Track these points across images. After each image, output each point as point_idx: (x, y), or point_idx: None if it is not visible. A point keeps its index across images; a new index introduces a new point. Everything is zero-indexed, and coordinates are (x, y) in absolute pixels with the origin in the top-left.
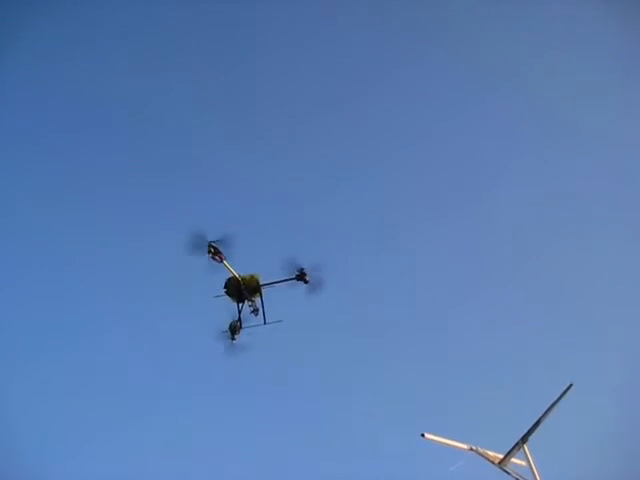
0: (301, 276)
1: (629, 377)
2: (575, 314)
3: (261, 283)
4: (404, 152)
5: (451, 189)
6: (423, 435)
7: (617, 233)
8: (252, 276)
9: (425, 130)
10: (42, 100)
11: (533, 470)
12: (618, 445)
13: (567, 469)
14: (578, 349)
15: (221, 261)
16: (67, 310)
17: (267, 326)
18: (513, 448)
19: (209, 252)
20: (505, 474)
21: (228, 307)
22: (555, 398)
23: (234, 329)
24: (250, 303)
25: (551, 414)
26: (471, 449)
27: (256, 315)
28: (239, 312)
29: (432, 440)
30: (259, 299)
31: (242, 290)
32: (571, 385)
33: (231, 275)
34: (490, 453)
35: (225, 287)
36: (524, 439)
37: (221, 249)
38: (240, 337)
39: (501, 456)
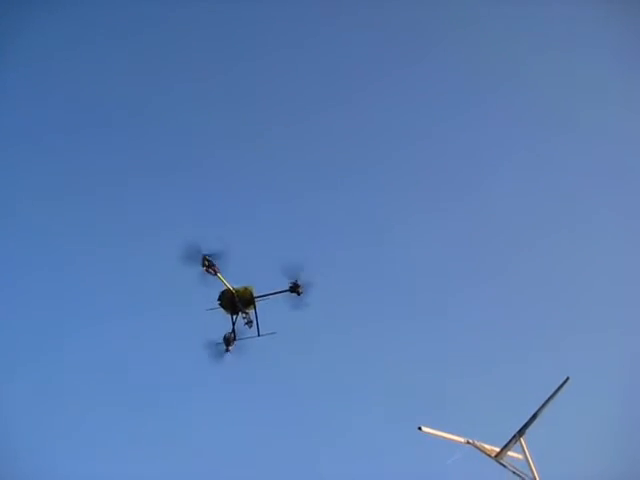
0: (294, 288)
1: (626, 370)
2: (572, 308)
3: (255, 295)
4: (401, 150)
5: (449, 186)
6: (420, 428)
7: (614, 227)
8: (246, 288)
9: (423, 127)
10: (42, 99)
11: (530, 463)
12: (615, 438)
13: (564, 462)
14: (575, 342)
15: (215, 274)
16: (63, 310)
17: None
18: (510, 441)
19: (203, 265)
20: (502, 467)
21: (222, 319)
22: (552, 392)
23: (228, 341)
24: (244, 315)
25: (548, 408)
26: (468, 442)
27: (250, 327)
28: (233, 324)
29: (429, 433)
30: (253, 311)
31: (236, 302)
32: (568, 379)
33: (225, 287)
34: (487, 446)
35: (219, 299)
36: (521, 432)
37: (215, 262)
38: (234, 348)
39: (498, 449)
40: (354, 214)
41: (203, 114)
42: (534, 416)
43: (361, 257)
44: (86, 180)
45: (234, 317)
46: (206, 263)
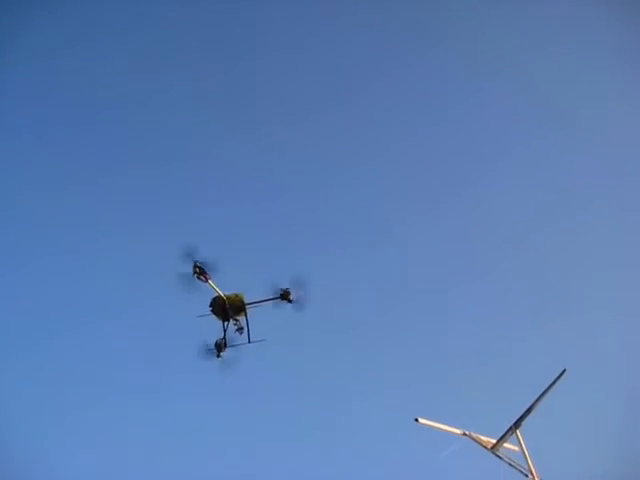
0: (285, 295)
1: (624, 363)
2: (570, 300)
3: (246, 302)
4: (398, 149)
5: (447, 183)
6: (417, 420)
7: (611, 222)
8: (237, 295)
9: (422, 126)
10: (43, 96)
11: (525, 455)
12: (612, 430)
13: (559, 454)
14: (572, 334)
15: (206, 280)
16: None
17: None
18: (506, 433)
19: (194, 272)
20: (498, 459)
21: (214, 324)
22: (548, 384)
23: (220, 347)
24: (235, 322)
25: (544, 400)
26: (464, 434)
27: (241, 334)
28: (224, 331)
29: (426, 425)
30: (244, 318)
31: (227, 309)
32: (564, 371)
33: (216, 294)
34: (483, 438)
35: (210, 306)
36: (517, 424)
37: (206, 269)
38: (225, 354)
39: (494, 441)
40: (350, 212)
41: (201, 114)
42: (530, 408)
43: (357, 253)
44: (82, 175)
45: (225, 324)
46: (197, 270)
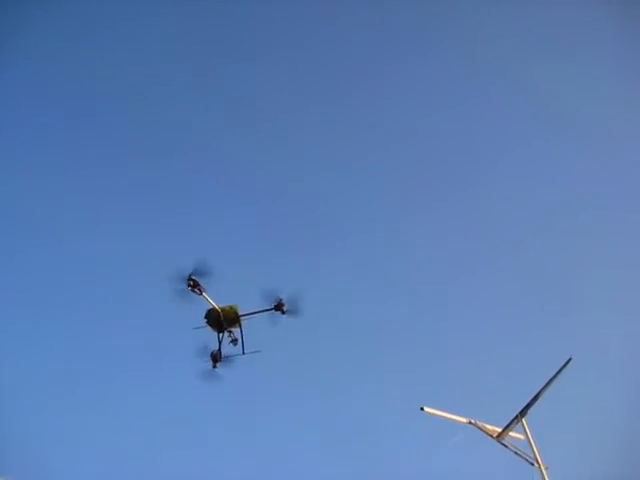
0: (279, 306)
1: (630, 351)
2: (575, 288)
3: (240, 314)
4: (398, 148)
5: (446, 183)
6: (422, 409)
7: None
8: (231, 307)
9: (421, 125)
10: (42, 92)
11: (531, 444)
12: (617, 419)
13: (565, 443)
14: (579, 323)
15: (200, 293)
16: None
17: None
18: (511, 422)
19: (188, 285)
20: (503, 448)
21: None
22: (554, 372)
23: (215, 358)
24: (229, 334)
25: (550, 388)
26: (470, 422)
27: (235, 345)
28: (219, 342)
29: (431, 414)
30: (238, 329)
31: (221, 321)
32: (570, 359)
33: (211, 306)
34: (488, 427)
35: (205, 317)
36: (522, 413)
37: (200, 282)
38: (221, 365)
39: (499, 430)
40: (349, 212)
41: (200, 114)
42: (536, 397)
43: (359, 250)
44: (79, 173)
45: (220, 335)
46: (191, 283)
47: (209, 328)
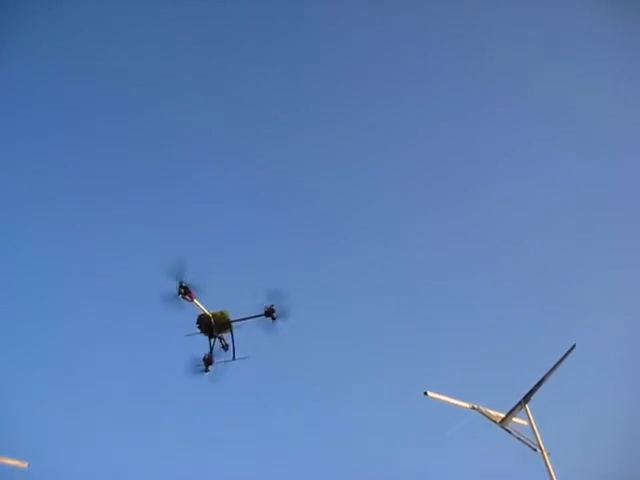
0: (269, 312)
1: (634, 338)
2: (579, 276)
3: (231, 319)
4: (397, 148)
5: (444, 183)
6: (426, 393)
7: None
8: (222, 313)
9: (421, 126)
10: (41, 87)
11: (534, 429)
12: (619, 406)
13: (568, 429)
14: (583, 309)
15: (192, 300)
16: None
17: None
18: (515, 408)
19: (179, 292)
20: (506, 433)
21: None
22: (558, 359)
23: (207, 361)
24: (220, 339)
25: (554, 375)
26: (473, 408)
27: (226, 350)
28: (211, 348)
29: (435, 398)
30: (230, 335)
31: (212, 326)
32: (574, 346)
33: (202, 312)
34: (492, 412)
35: (197, 322)
36: (526, 399)
37: (191, 288)
38: (213, 369)
39: (503, 415)
40: (349, 212)
41: (198, 114)
42: (540, 383)
43: (361, 247)
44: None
45: (212, 340)
46: (182, 290)
47: (201, 333)
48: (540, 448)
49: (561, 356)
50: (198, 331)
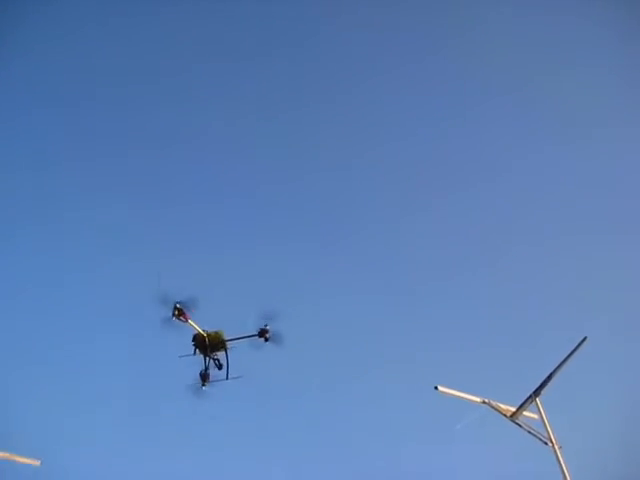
0: (262, 333)
1: None
2: (591, 268)
3: (225, 339)
4: (396, 149)
5: (444, 183)
6: (437, 388)
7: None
8: (217, 332)
9: (421, 127)
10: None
11: (545, 423)
12: (631, 399)
13: (579, 422)
14: (594, 302)
15: (186, 321)
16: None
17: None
18: (525, 401)
19: (174, 314)
20: (517, 427)
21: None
22: (569, 351)
23: (203, 377)
24: (214, 358)
25: (564, 368)
26: (484, 402)
27: (220, 369)
28: (206, 367)
29: (445, 393)
30: (224, 354)
31: (207, 346)
32: (585, 338)
33: (196, 332)
34: (502, 406)
35: (193, 340)
36: (536, 392)
37: (185, 310)
38: (209, 384)
39: (513, 409)
40: (348, 211)
41: (198, 114)
42: (550, 376)
43: (362, 247)
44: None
45: (207, 359)
46: (176, 312)
47: (197, 351)
48: (551, 442)
49: (572, 349)
50: (193, 349)
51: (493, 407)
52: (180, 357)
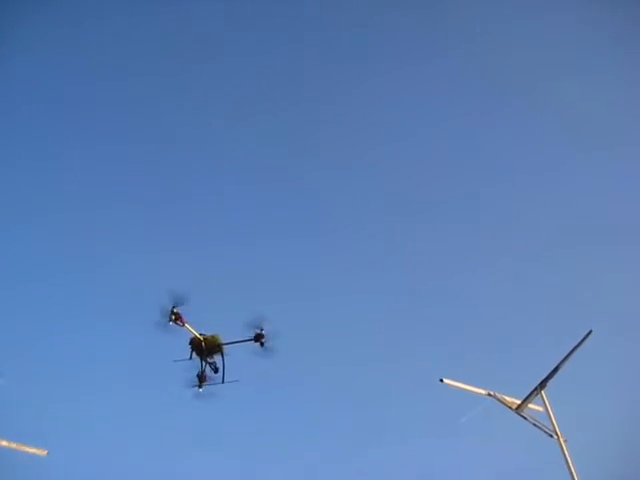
0: (258, 337)
1: None
2: (597, 261)
3: (222, 342)
4: (397, 147)
5: (444, 184)
6: (442, 380)
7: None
8: (213, 336)
9: (421, 125)
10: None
11: (550, 416)
12: (637, 392)
13: (584, 416)
14: (599, 295)
15: (183, 325)
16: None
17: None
18: (530, 394)
19: (170, 319)
20: (522, 419)
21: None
22: (574, 344)
23: (200, 378)
24: (211, 362)
25: (570, 360)
26: (489, 394)
27: (216, 373)
28: (203, 370)
29: (451, 385)
30: (220, 358)
31: (203, 349)
32: (591, 331)
33: (193, 335)
34: (507, 399)
35: (190, 344)
36: (542, 385)
37: (182, 314)
38: (205, 386)
39: (519, 402)
40: (348, 211)
41: (198, 114)
42: (556, 369)
43: (362, 245)
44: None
45: (203, 363)
46: (173, 317)
47: (194, 354)
48: (556, 434)
49: (577, 342)
50: (189, 353)
51: (498, 399)
52: (175, 362)
